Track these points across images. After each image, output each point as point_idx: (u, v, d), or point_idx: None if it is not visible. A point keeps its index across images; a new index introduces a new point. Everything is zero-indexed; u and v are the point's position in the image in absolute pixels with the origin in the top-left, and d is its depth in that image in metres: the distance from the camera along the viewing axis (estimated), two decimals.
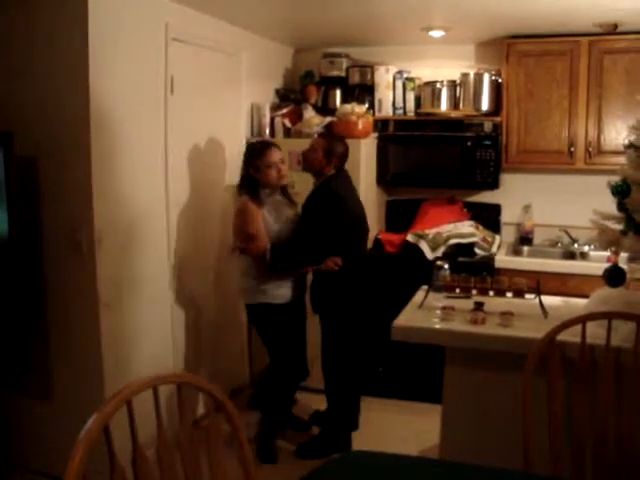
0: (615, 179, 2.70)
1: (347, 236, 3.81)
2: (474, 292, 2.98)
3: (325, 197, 3.76)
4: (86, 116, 3.19)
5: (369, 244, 4.71)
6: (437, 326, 2.78)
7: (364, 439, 4.01)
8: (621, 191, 2.65)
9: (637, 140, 2.67)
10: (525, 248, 4.87)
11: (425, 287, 3.18)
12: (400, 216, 5.15)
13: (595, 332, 2.39)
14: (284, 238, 3.78)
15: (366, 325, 4.19)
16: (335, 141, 3.89)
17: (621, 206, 2.70)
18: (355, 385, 4.06)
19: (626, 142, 2.75)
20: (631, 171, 2.65)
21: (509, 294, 2.95)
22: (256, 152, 3.79)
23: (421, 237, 4.58)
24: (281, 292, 3.82)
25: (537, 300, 2.90)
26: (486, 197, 5.03)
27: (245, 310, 4.08)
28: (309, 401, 4.38)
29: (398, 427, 4.26)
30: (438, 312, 2.88)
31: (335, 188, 3.79)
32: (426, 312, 2.93)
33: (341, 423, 3.99)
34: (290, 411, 4.24)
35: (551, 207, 4.92)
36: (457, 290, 3.01)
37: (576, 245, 4.74)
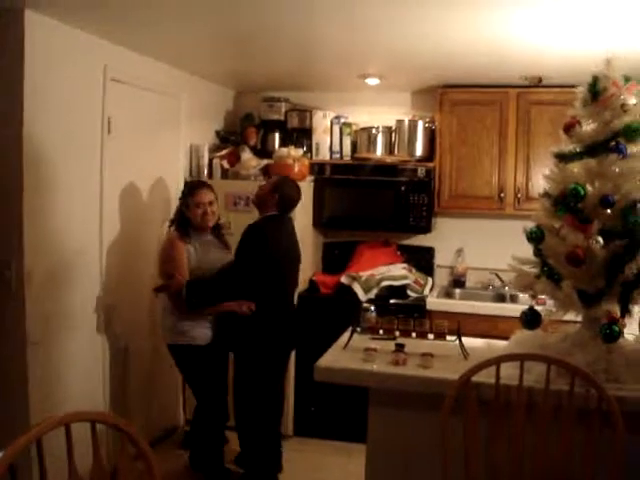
0: (530, 225, 2.82)
1: (269, 277, 3.77)
2: (397, 334, 3.04)
3: (250, 234, 3.74)
4: (19, 154, 3.20)
5: (304, 285, 4.77)
6: (358, 367, 2.81)
7: None
8: (535, 237, 2.78)
9: (551, 189, 2.80)
10: (457, 291, 4.97)
11: (351, 328, 3.22)
12: (336, 258, 5.21)
13: (510, 373, 2.47)
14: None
15: (292, 365, 4.15)
16: (287, 182, 3.92)
17: (538, 251, 2.82)
18: (271, 426, 4.00)
19: (541, 191, 2.89)
20: (545, 218, 2.78)
21: (431, 336, 3.01)
22: (188, 190, 3.89)
23: (355, 279, 4.65)
24: (198, 332, 3.77)
25: (458, 342, 2.97)
26: (420, 240, 5.13)
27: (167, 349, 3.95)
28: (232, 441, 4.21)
29: (330, 468, 4.25)
30: (361, 353, 2.92)
31: (263, 226, 3.78)
32: (350, 353, 2.96)
33: (261, 464, 3.92)
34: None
35: (483, 251, 5.03)
36: (380, 331, 3.06)
37: (506, 288, 4.85)
